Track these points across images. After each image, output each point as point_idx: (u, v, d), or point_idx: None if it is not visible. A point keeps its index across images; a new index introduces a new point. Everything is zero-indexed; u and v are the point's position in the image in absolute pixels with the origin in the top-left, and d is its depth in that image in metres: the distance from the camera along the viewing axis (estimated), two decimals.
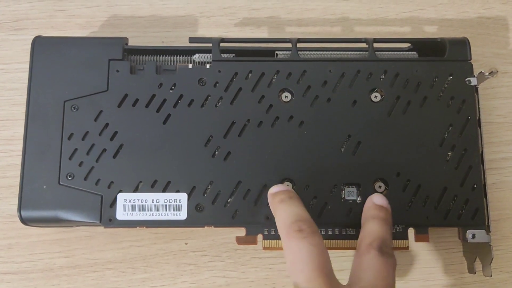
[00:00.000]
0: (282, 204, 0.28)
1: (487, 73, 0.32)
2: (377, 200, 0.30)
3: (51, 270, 0.34)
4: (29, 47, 0.33)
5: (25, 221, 0.30)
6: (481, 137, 0.32)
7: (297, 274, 0.25)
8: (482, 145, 0.32)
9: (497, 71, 0.32)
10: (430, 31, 0.38)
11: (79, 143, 0.31)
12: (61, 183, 0.30)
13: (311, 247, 0.25)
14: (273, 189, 0.29)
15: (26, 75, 0.32)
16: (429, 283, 0.34)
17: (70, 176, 0.30)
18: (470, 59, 0.33)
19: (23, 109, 0.32)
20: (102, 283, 0.33)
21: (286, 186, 0.30)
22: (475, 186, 0.31)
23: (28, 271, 0.34)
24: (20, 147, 0.31)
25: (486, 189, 0.31)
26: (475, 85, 0.32)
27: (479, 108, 0.32)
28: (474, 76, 0.32)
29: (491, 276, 0.31)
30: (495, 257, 0.31)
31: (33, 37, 0.33)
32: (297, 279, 0.25)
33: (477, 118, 0.32)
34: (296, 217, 0.27)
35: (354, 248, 0.31)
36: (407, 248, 0.31)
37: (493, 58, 0.38)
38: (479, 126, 0.32)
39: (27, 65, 0.32)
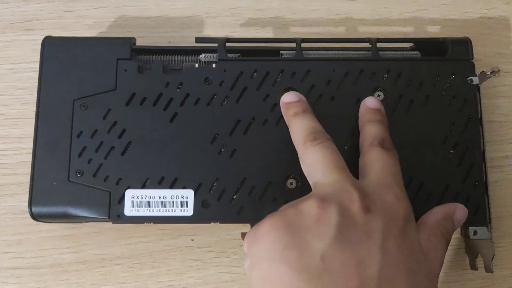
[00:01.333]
0: (296, 118, 0.30)
1: (489, 73, 0.32)
2: (370, 103, 0.31)
3: (60, 266, 0.34)
4: (38, 47, 0.33)
5: (35, 217, 0.31)
6: (482, 135, 0.32)
7: (314, 173, 0.27)
8: (483, 143, 0.32)
9: (499, 71, 0.32)
10: (433, 31, 0.39)
11: (88, 140, 0.32)
12: (70, 179, 0.31)
13: (325, 149, 0.28)
14: (285, 98, 0.31)
15: (35, 75, 0.33)
16: None
17: (79, 173, 0.31)
18: (472, 59, 0.33)
19: (33, 108, 0.33)
20: (110, 278, 0.34)
21: (297, 95, 0.31)
22: (476, 183, 0.31)
23: (37, 266, 0.34)
24: (30, 145, 0.32)
25: (488, 187, 0.32)
26: (477, 84, 0.33)
27: (480, 107, 0.33)
28: (476, 76, 0.33)
29: (492, 272, 0.31)
30: (497, 254, 0.32)
31: (42, 37, 0.34)
32: (315, 177, 0.27)
33: (479, 116, 0.32)
34: (310, 129, 0.29)
35: None
36: None
37: (495, 58, 0.38)
38: (481, 124, 0.32)
39: (37, 65, 0.33)
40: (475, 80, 0.33)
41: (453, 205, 0.30)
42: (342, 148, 0.32)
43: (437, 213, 0.29)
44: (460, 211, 0.29)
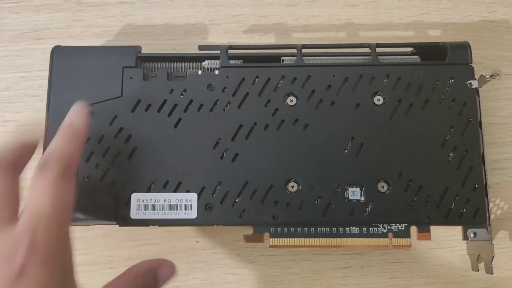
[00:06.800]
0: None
1: (488, 76, 0.33)
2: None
3: None
4: (48, 55, 0.34)
5: None
6: (482, 138, 0.33)
7: None
8: (483, 146, 0.32)
9: (498, 74, 0.33)
10: (434, 35, 0.39)
11: (95, 146, 0.33)
12: (78, 184, 0.32)
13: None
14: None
15: (46, 82, 0.34)
16: (432, 281, 0.35)
17: (87, 178, 0.32)
18: (471, 63, 0.33)
19: (44, 114, 0.34)
20: None
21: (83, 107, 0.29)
22: (476, 186, 0.32)
23: None
24: (41, 150, 0.33)
25: (487, 189, 0.32)
26: (476, 88, 0.33)
27: (480, 110, 0.33)
28: (475, 79, 0.33)
29: (492, 274, 0.31)
30: (498, 256, 0.32)
31: (52, 46, 0.35)
32: None
33: (478, 119, 0.33)
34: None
35: (358, 247, 0.32)
36: (409, 246, 0.32)
37: (496, 61, 0.38)
38: (480, 127, 0.33)
39: (47, 73, 0.34)
40: (474, 83, 0.33)
41: (160, 261, 0.28)
42: (342, 152, 0.32)
43: (139, 267, 0.27)
44: (166, 268, 0.27)
